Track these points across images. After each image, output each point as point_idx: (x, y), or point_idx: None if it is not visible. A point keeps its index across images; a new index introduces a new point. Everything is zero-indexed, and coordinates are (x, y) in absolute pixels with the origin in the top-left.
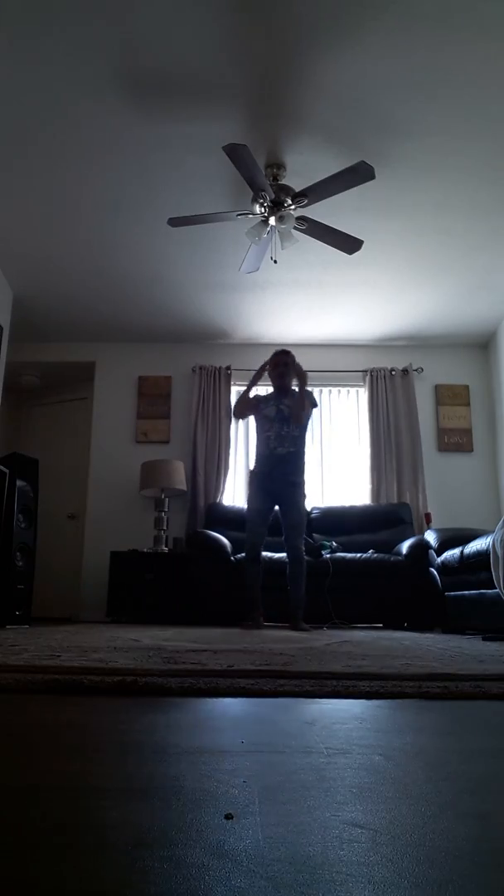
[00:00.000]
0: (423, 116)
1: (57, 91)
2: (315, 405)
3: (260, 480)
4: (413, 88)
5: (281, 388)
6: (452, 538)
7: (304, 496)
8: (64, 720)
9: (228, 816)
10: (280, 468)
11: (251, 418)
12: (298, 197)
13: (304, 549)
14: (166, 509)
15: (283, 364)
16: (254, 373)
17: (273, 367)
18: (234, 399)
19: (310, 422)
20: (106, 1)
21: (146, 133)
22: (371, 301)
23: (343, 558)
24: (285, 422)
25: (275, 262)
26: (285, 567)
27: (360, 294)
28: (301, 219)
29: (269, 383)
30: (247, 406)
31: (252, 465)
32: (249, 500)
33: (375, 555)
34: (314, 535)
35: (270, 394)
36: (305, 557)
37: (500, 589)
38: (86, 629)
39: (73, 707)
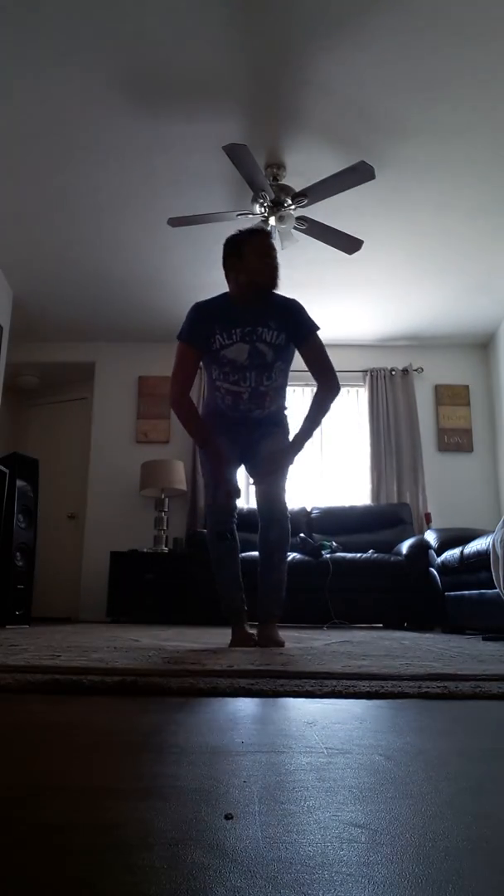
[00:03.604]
0: (423, 116)
1: (57, 91)
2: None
3: (226, 435)
4: (413, 88)
5: (258, 296)
6: (452, 538)
7: (287, 440)
8: (64, 720)
9: (228, 816)
10: (254, 425)
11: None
12: (298, 197)
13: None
14: (166, 509)
15: (269, 250)
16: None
17: (257, 256)
18: None
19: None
20: (106, 1)
21: (146, 133)
22: (371, 301)
23: (343, 558)
24: (266, 369)
25: None
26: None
27: (360, 294)
28: (301, 219)
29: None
30: (189, 379)
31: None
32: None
33: (375, 555)
34: (314, 535)
35: (225, 303)
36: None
37: (500, 589)
38: (86, 629)
39: (73, 707)
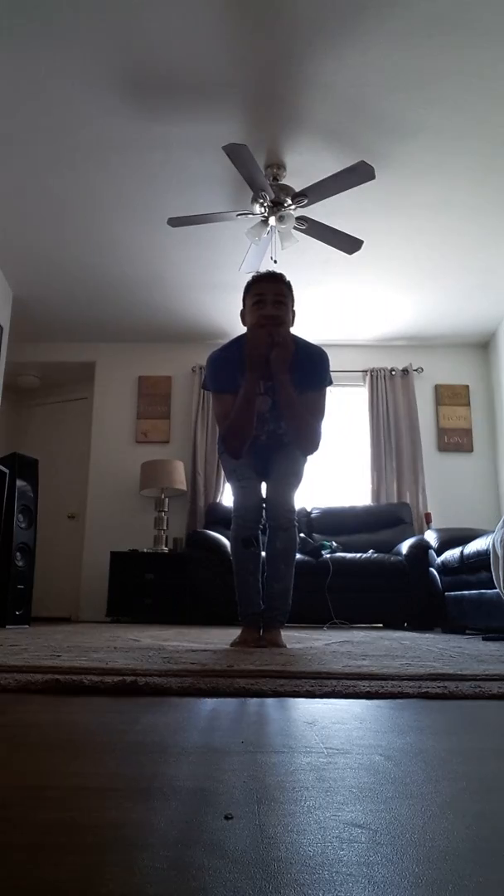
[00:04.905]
0: (423, 116)
1: (57, 91)
2: (315, 448)
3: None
4: (413, 88)
5: (268, 345)
6: (452, 538)
7: (304, 455)
8: (64, 720)
9: (228, 816)
10: (274, 451)
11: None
12: (298, 197)
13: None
14: (166, 509)
15: (276, 297)
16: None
17: (253, 310)
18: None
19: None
20: (107, 1)
21: (146, 133)
22: (371, 301)
23: (343, 558)
24: (283, 417)
25: (275, 262)
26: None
27: (360, 294)
28: (301, 219)
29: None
30: (247, 427)
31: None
32: (234, 463)
33: (375, 555)
34: (314, 535)
35: (245, 355)
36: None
37: (500, 589)
38: (86, 629)
39: (73, 707)
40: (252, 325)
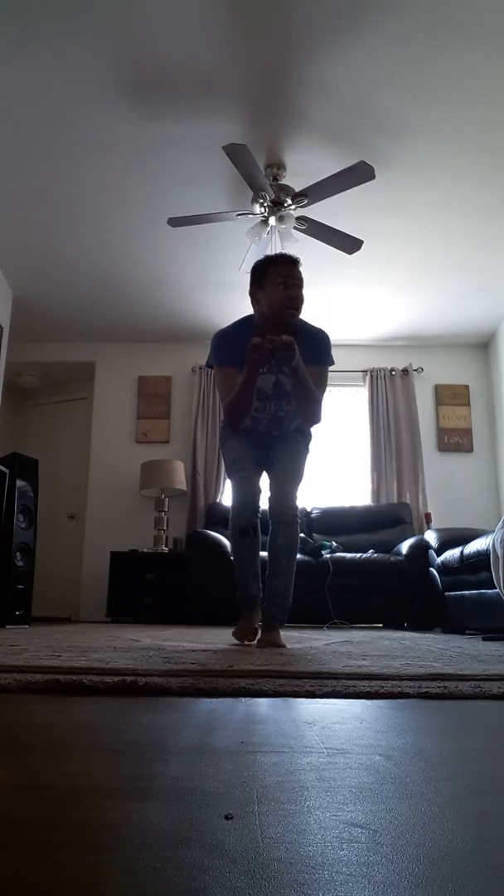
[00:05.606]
0: (423, 116)
1: (57, 91)
2: (318, 420)
3: (249, 436)
4: (413, 88)
5: (281, 329)
6: (452, 538)
7: (307, 449)
8: (64, 720)
9: (228, 816)
10: (275, 439)
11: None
12: (298, 197)
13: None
14: (166, 509)
15: (295, 280)
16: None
17: (276, 287)
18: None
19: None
20: (107, 1)
21: (146, 133)
22: (371, 301)
23: (343, 558)
24: (286, 397)
25: None
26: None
27: (360, 294)
28: (301, 219)
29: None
30: (248, 402)
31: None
32: (234, 449)
33: (375, 555)
34: (314, 535)
35: (251, 331)
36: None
37: (500, 589)
38: (86, 629)
39: (73, 707)
40: (277, 303)
